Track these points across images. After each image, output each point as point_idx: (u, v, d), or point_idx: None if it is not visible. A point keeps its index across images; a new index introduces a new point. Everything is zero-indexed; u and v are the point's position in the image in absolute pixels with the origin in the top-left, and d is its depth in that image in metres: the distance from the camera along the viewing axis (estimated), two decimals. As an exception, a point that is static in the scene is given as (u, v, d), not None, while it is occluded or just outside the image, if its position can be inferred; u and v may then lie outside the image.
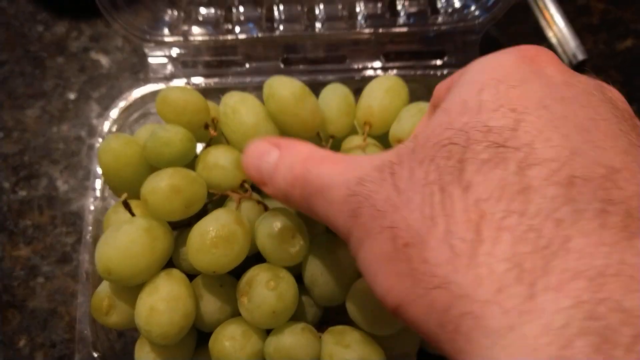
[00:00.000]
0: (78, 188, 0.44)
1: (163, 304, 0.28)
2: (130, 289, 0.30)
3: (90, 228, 0.35)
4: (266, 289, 0.28)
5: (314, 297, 0.31)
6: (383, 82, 0.35)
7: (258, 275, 0.28)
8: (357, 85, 0.37)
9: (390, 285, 0.18)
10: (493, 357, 0.14)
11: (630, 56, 0.50)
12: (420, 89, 0.35)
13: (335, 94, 0.35)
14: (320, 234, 0.32)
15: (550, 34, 0.51)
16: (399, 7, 0.43)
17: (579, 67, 0.50)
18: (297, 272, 0.30)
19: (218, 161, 0.31)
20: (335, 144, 0.34)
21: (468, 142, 0.17)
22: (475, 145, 0.17)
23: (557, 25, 0.51)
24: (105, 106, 0.47)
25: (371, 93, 0.35)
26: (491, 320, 0.14)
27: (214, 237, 0.27)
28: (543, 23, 0.52)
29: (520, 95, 0.18)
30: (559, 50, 0.50)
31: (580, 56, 0.49)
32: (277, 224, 0.28)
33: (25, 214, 0.44)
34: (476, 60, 0.22)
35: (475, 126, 0.17)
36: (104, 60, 0.49)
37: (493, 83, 0.19)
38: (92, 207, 0.35)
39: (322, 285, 0.30)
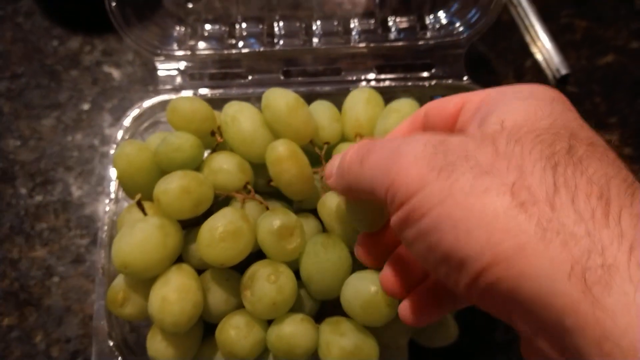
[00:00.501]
0: (91, 193, 0.47)
1: (174, 294, 0.30)
2: (143, 282, 0.32)
3: (106, 227, 0.37)
4: (267, 283, 0.30)
5: (310, 292, 0.33)
6: (361, 95, 0.38)
7: (259, 270, 0.31)
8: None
9: (491, 242, 0.18)
10: (636, 300, 0.16)
11: (610, 71, 0.54)
12: (409, 98, 0.38)
13: (323, 105, 0.38)
14: (316, 233, 0.34)
15: (535, 50, 0.54)
16: (390, 24, 0.46)
17: (562, 81, 0.53)
18: (296, 268, 0.33)
19: (222, 165, 0.34)
20: (327, 150, 0.37)
21: (571, 133, 0.20)
22: (576, 140, 0.20)
23: (541, 41, 0.54)
24: (117, 116, 0.50)
25: (354, 107, 0.38)
26: (629, 270, 0.16)
27: (222, 232, 0.30)
28: (528, 40, 0.55)
29: (576, 116, 0.22)
30: (544, 65, 0.54)
31: (564, 71, 0.52)
32: (276, 222, 0.31)
33: (41, 218, 0.46)
34: (507, 89, 0.24)
35: (571, 124, 0.21)
36: (115, 73, 0.52)
37: (552, 101, 0.23)
38: (107, 209, 0.38)
39: (317, 282, 0.32)
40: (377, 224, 0.30)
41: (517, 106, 0.22)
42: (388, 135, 0.31)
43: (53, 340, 0.42)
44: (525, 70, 0.54)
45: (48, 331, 0.42)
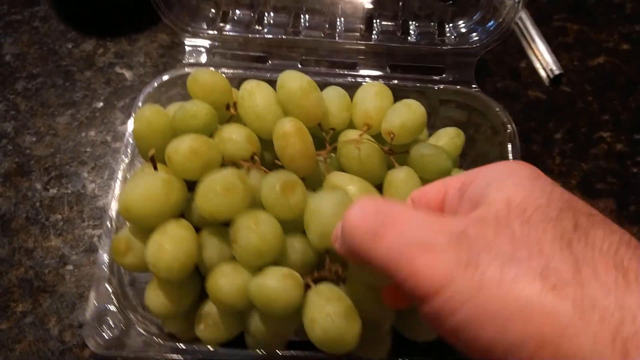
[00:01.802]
0: (104, 186, 0.49)
1: (170, 242, 0.32)
2: (145, 234, 0.34)
3: (119, 183, 0.40)
4: (248, 231, 0.31)
5: (310, 236, 0.33)
6: (372, 88, 0.40)
7: (239, 221, 0.32)
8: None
9: (533, 328, 0.18)
10: None
11: (602, 72, 0.56)
12: (418, 99, 0.39)
13: (335, 92, 0.40)
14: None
15: (530, 52, 0.57)
16: (411, 28, 0.49)
17: (556, 81, 0.55)
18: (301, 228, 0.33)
19: (232, 136, 0.36)
20: (334, 136, 0.39)
21: (569, 207, 0.21)
22: (575, 213, 0.20)
23: (536, 44, 0.56)
24: (129, 114, 0.52)
25: (364, 98, 0.39)
26: None
27: (219, 186, 0.32)
28: (524, 43, 0.57)
29: (562, 189, 0.22)
30: (538, 66, 0.56)
31: (557, 71, 0.54)
32: (279, 179, 0.33)
33: (55, 209, 0.48)
34: (486, 169, 0.24)
35: (563, 197, 0.21)
36: (127, 74, 0.55)
37: (538, 177, 0.23)
38: (121, 167, 0.40)
39: (317, 226, 0.32)
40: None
41: (510, 185, 0.22)
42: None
43: (66, 326, 0.44)
44: (521, 70, 0.56)
45: (61, 317, 0.44)
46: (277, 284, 0.31)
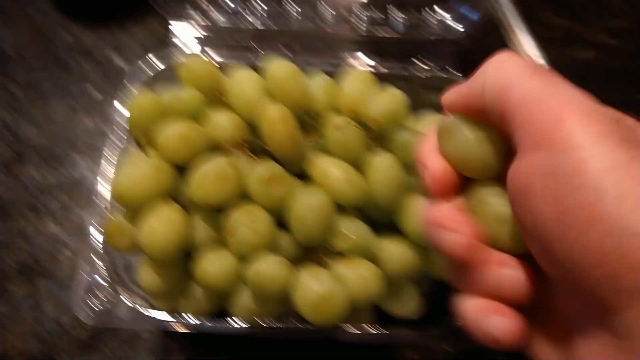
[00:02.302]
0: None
1: (161, 224, 0.34)
2: (137, 216, 0.35)
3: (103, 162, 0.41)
4: (246, 229, 0.33)
5: (294, 234, 0.35)
6: (357, 75, 0.41)
7: (239, 219, 0.34)
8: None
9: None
10: None
11: (590, 67, 0.57)
12: (404, 87, 0.40)
13: (321, 79, 0.41)
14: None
15: (516, 47, 0.58)
16: (398, 19, 0.50)
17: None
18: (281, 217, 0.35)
19: (220, 121, 0.37)
20: (319, 121, 0.40)
21: None
22: None
23: (521, 37, 0.57)
24: (125, 104, 0.53)
25: (349, 84, 0.41)
26: None
27: (212, 175, 0.33)
28: (509, 36, 0.58)
29: None
30: (526, 60, 0.57)
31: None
32: (264, 170, 0.34)
33: (53, 197, 0.49)
34: None
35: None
36: (125, 66, 0.56)
37: None
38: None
39: (302, 226, 0.34)
40: (491, 167, 0.24)
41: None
42: None
43: (63, 308, 0.45)
44: (509, 65, 0.57)
45: (59, 300, 0.45)
46: (272, 268, 0.33)
